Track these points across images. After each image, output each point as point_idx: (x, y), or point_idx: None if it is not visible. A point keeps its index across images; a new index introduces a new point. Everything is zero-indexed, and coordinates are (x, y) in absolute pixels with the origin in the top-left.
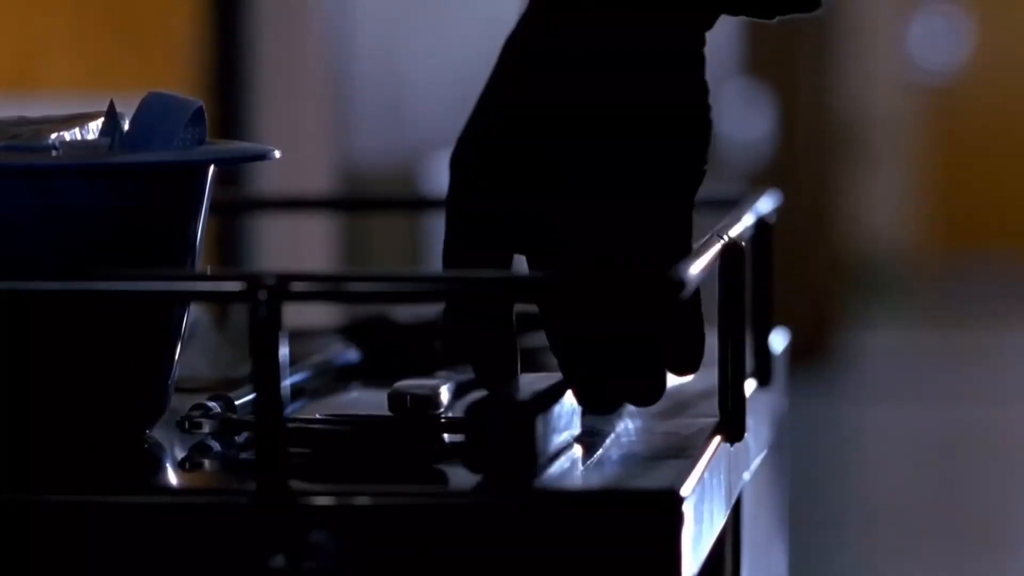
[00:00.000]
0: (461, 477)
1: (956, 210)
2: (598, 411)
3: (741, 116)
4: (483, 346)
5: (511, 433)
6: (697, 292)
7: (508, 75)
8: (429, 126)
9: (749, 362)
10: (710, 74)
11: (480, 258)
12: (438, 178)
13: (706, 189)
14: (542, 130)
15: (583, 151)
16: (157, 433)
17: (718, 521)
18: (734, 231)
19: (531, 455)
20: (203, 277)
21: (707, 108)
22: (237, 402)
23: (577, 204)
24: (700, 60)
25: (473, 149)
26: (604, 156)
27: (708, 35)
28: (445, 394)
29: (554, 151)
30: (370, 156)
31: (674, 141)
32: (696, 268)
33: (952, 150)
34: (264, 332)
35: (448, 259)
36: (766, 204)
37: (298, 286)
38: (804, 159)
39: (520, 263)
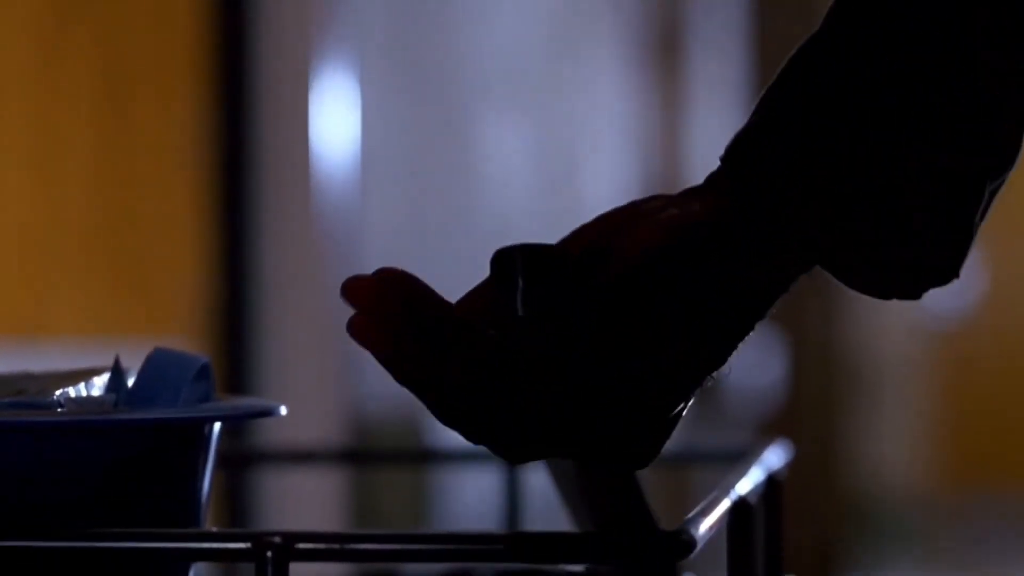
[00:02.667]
0: None
1: (966, 453)
2: None
3: (748, 360)
4: None
5: None
6: None
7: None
8: None
9: None
10: None
11: None
12: (445, 427)
13: (712, 440)
14: None
15: None
16: None
17: None
18: (743, 487)
19: None
20: (209, 536)
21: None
22: None
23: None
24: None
25: None
26: None
27: None
28: None
29: None
30: (377, 403)
31: None
32: (704, 527)
33: (961, 393)
34: None
35: None
36: (775, 458)
37: (304, 546)
38: (812, 402)
39: None
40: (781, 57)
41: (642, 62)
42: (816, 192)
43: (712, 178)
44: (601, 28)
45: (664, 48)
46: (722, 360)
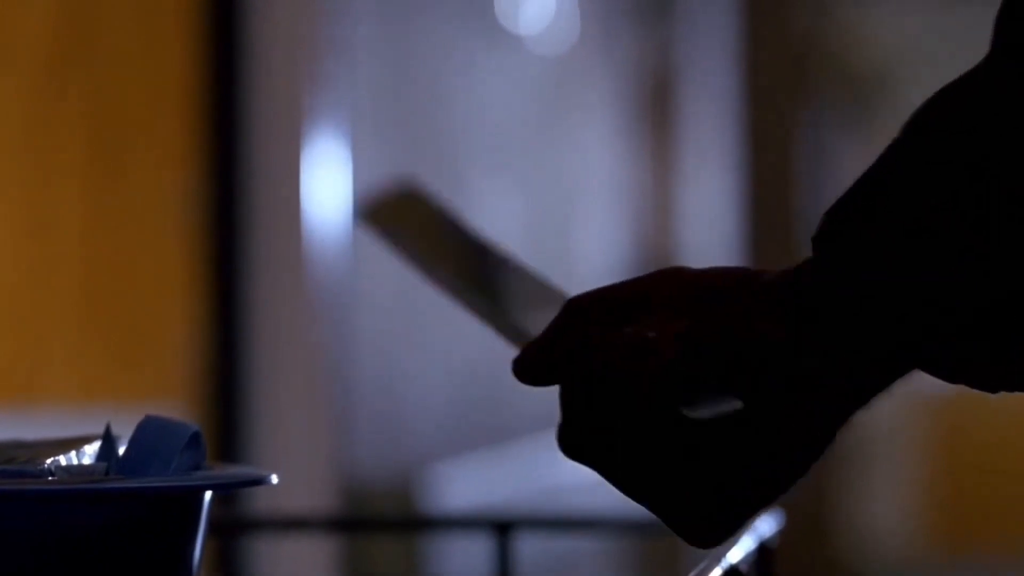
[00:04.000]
0: None
1: (958, 519)
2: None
3: None
4: None
5: None
6: None
7: None
8: (428, 441)
9: None
10: None
11: None
12: (436, 494)
13: None
14: None
15: None
16: None
17: None
18: (734, 555)
19: None
20: None
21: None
22: None
23: None
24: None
25: None
26: None
27: None
28: None
29: None
30: (369, 470)
31: None
32: None
33: (953, 460)
34: None
35: None
36: (767, 526)
37: None
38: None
39: None
40: (771, 122)
41: (633, 126)
42: (914, 293)
43: (802, 270)
44: (592, 93)
45: (655, 112)
46: (814, 459)
